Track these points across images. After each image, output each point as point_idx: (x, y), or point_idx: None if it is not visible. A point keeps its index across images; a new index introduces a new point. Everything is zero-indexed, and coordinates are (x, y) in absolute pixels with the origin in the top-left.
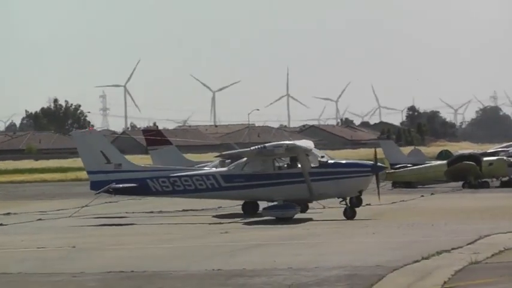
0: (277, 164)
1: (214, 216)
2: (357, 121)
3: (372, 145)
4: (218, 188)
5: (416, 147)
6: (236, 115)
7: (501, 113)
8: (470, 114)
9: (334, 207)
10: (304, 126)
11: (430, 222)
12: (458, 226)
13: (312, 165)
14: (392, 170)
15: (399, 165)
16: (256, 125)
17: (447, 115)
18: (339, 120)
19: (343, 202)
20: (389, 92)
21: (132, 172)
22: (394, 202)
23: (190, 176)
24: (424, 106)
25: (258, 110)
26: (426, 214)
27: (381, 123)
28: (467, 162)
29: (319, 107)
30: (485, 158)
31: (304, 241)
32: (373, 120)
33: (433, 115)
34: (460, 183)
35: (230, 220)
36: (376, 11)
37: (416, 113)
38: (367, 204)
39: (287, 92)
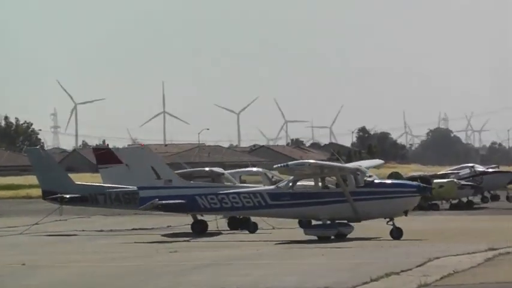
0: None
1: (163, 235)
2: (307, 142)
3: None
4: (265, 205)
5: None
6: (186, 134)
7: (452, 135)
8: (421, 136)
9: (283, 228)
10: (254, 146)
11: (380, 244)
12: (408, 248)
13: (358, 184)
14: None
15: None
16: (207, 144)
17: (398, 137)
18: (289, 141)
19: (390, 222)
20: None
21: (181, 188)
22: None
23: (238, 194)
24: (375, 127)
25: (208, 129)
26: (376, 235)
27: (331, 144)
28: None
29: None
30: (435, 180)
31: (254, 261)
32: (323, 141)
33: (384, 136)
34: None
35: (179, 239)
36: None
37: (367, 135)
38: None
39: (237, 112)
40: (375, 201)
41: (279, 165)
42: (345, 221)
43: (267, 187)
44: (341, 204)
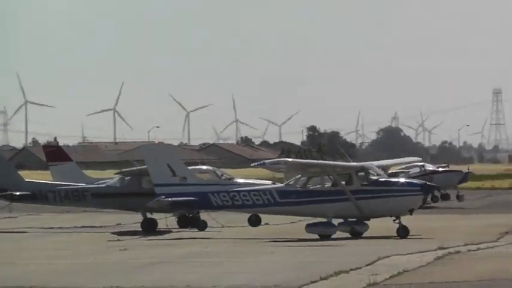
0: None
1: (113, 233)
2: (257, 140)
3: None
4: (274, 203)
5: None
6: (137, 133)
7: (402, 134)
8: (371, 135)
9: (233, 226)
10: (204, 144)
11: (329, 242)
12: (357, 247)
13: (363, 182)
14: None
15: None
16: (156, 142)
17: (348, 135)
18: (238, 139)
19: (397, 221)
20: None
21: (195, 186)
22: (293, 222)
23: (249, 191)
24: (325, 126)
25: (158, 127)
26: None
27: (281, 142)
28: None
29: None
30: None
31: (203, 259)
32: (273, 140)
33: (334, 135)
34: None
35: (129, 237)
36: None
37: (316, 133)
38: (265, 224)
39: (187, 110)
40: (380, 199)
41: (256, 163)
42: (362, 220)
43: (276, 185)
44: (347, 203)
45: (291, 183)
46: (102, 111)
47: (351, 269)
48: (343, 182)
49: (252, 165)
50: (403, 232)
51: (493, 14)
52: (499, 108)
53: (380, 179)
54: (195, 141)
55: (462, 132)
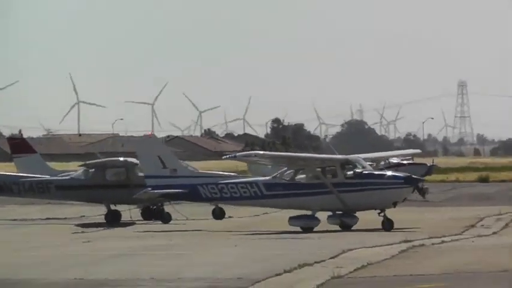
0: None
1: (77, 225)
2: (221, 132)
3: None
4: (261, 196)
5: None
6: (101, 124)
7: (366, 127)
8: (335, 128)
9: (197, 219)
10: (168, 136)
11: (293, 235)
12: (321, 240)
13: (348, 175)
14: None
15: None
16: (120, 134)
17: (313, 128)
18: (202, 132)
19: (382, 214)
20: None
21: (185, 178)
22: (257, 215)
23: (236, 184)
24: (289, 119)
25: (122, 119)
26: (289, 227)
27: (245, 135)
28: None
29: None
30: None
31: (168, 252)
32: (237, 132)
33: (299, 128)
34: None
35: (93, 229)
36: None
37: (281, 126)
38: (229, 217)
39: (153, 103)
40: (364, 192)
41: (228, 155)
42: (351, 212)
43: (263, 178)
44: (332, 196)
45: (277, 175)
46: (71, 109)
47: (315, 262)
48: (330, 175)
49: (223, 157)
50: (388, 225)
51: (458, 5)
52: (464, 101)
53: (364, 172)
54: (160, 134)
55: (427, 125)
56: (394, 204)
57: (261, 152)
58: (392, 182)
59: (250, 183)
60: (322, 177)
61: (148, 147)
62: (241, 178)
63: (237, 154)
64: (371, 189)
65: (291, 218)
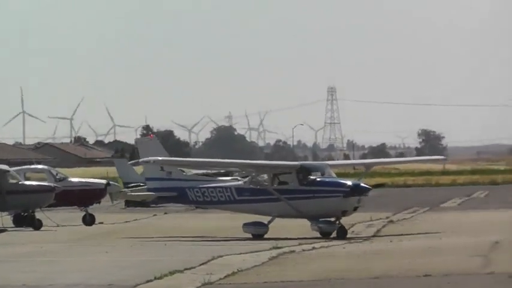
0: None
1: None
2: (92, 139)
3: (106, 163)
4: (233, 200)
5: None
6: None
7: (235, 133)
8: (205, 134)
9: (68, 225)
10: (38, 143)
11: (163, 241)
12: (191, 246)
13: (303, 182)
14: (126, 189)
15: (133, 184)
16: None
17: (182, 135)
18: (72, 138)
19: (337, 222)
20: (122, 109)
21: (178, 181)
22: (128, 221)
23: (215, 188)
24: (158, 125)
25: None
26: (159, 233)
27: (115, 141)
28: None
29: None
30: (220, 179)
31: (39, 258)
32: (108, 139)
33: (168, 134)
34: None
35: None
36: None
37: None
38: (99, 223)
39: (22, 109)
40: (313, 199)
41: (132, 161)
42: (331, 219)
43: (236, 182)
44: (283, 202)
45: (246, 181)
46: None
47: (186, 269)
48: (287, 181)
49: (129, 163)
50: (341, 233)
51: (326, 11)
52: (334, 107)
53: (317, 179)
54: (30, 140)
55: (297, 131)
56: (343, 213)
57: (160, 158)
58: (337, 190)
59: (226, 187)
60: (269, 184)
61: (150, 149)
62: (222, 182)
63: (140, 160)
64: (320, 197)
65: (244, 225)
